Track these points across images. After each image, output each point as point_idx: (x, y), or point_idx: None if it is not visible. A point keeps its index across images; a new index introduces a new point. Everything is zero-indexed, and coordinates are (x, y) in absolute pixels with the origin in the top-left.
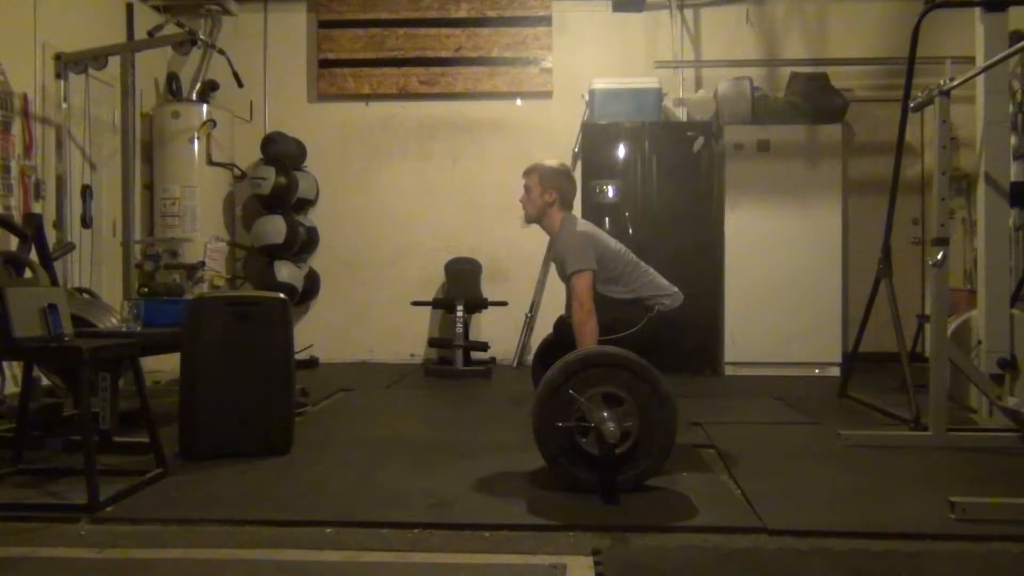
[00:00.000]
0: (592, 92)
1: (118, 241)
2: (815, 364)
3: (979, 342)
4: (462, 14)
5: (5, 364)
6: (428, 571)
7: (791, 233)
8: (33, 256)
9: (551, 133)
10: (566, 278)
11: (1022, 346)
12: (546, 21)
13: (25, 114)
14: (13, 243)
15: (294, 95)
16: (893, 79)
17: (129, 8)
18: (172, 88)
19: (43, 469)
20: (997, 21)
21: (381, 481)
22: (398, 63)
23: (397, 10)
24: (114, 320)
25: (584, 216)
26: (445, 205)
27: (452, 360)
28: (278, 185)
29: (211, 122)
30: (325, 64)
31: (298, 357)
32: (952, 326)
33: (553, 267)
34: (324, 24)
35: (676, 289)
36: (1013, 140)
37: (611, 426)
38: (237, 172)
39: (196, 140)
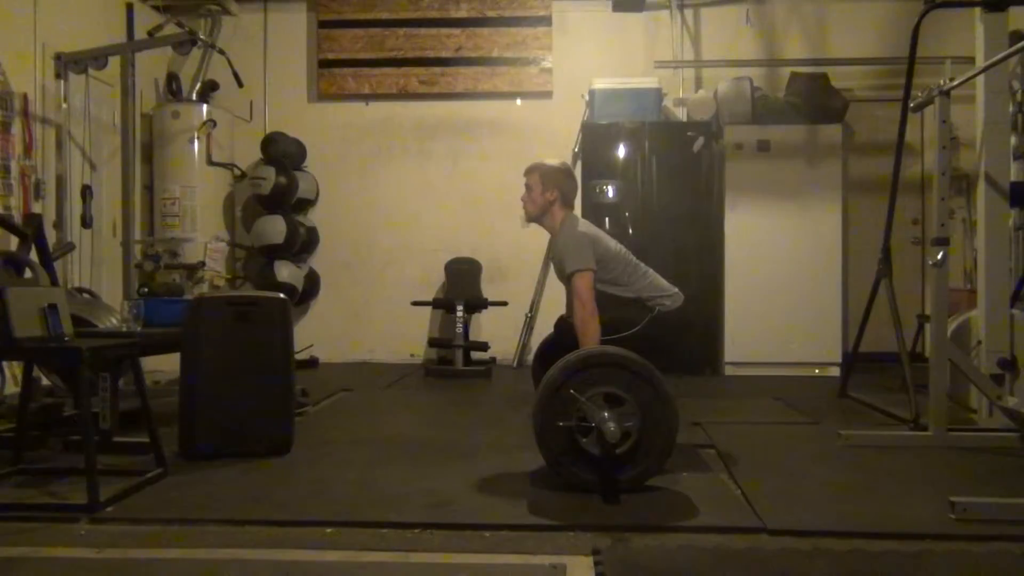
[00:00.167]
0: (592, 92)
1: (118, 241)
2: (815, 364)
3: (979, 342)
4: (462, 14)
5: (5, 364)
6: (428, 571)
7: (791, 233)
8: (33, 256)
9: (551, 133)
10: (565, 278)
11: (1022, 346)
12: (546, 21)
13: (25, 114)
14: (13, 243)
15: (294, 95)
16: (893, 79)
17: (129, 8)
18: (172, 88)
19: (43, 469)
20: (997, 21)
21: (381, 481)
22: (398, 63)
23: (397, 10)
24: (114, 320)
25: (584, 216)
26: (445, 205)
27: (452, 360)
28: (278, 185)
29: (211, 122)
30: (325, 64)
31: (298, 357)
32: (952, 326)
33: (553, 267)
34: (324, 24)
35: (676, 290)
36: (1013, 140)
37: (612, 426)
38: (237, 172)
39: (196, 140)
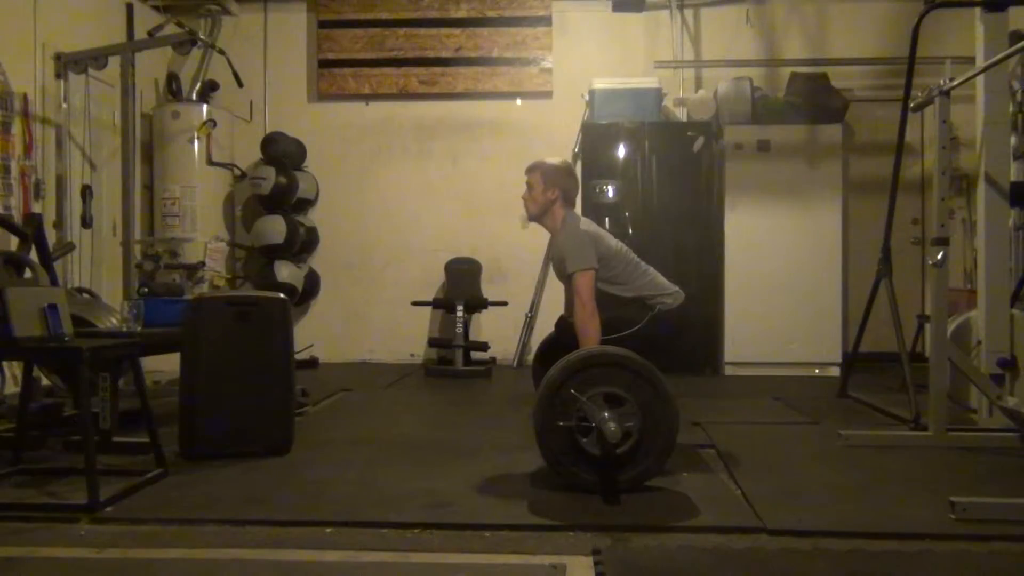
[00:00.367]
0: (592, 92)
1: (118, 241)
2: (815, 364)
3: (979, 342)
4: (462, 14)
5: (5, 364)
6: (428, 571)
7: (791, 233)
8: (33, 256)
9: (551, 133)
10: (566, 277)
11: (1022, 346)
12: (546, 21)
13: (25, 114)
14: (13, 243)
15: (294, 95)
16: (893, 79)
17: (129, 8)
18: (172, 88)
19: (43, 469)
20: (997, 21)
21: (381, 481)
22: (398, 63)
23: (397, 10)
24: (114, 320)
25: (584, 216)
26: (445, 205)
27: (452, 360)
28: (278, 185)
29: (211, 122)
30: (325, 64)
31: (298, 357)
32: (952, 326)
33: (553, 266)
34: (324, 24)
35: (677, 288)
36: (1013, 140)
37: (612, 426)
38: (237, 172)
39: (196, 140)
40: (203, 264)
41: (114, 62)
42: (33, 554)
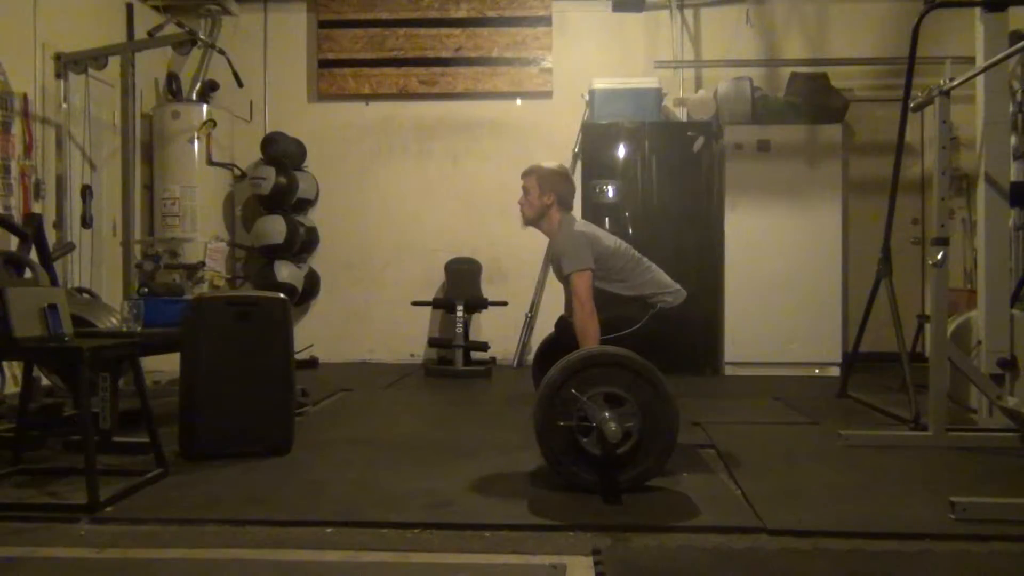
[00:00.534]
0: (592, 92)
1: (118, 241)
2: (815, 364)
3: (979, 342)
4: (462, 14)
5: (5, 364)
6: (428, 571)
7: (791, 233)
8: (33, 256)
9: (551, 133)
10: (563, 278)
11: (1022, 346)
12: (546, 21)
13: (25, 114)
14: (13, 243)
15: (294, 95)
16: (893, 79)
17: (129, 8)
18: (172, 88)
19: (43, 469)
20: (997, 21)
21: (381, 481)
22: (398, 63)
23: (397, 10)
24: (114, 320)
25: (584, 216)
26: (445, 205)
27: (452, 360)
28: (278, 185)
29: (211, 122)
30: (325, 64)
31: (298, 357)
32: (952, 326)
33: (552, 268)
34: (324, 24)
35: (678, 286)
36: (1013, 140)
37: (613, 426)
38: (237, 172)
39: (196, 140)
40: (203, 264)
41: (114, 62)
42: (33, 554)
